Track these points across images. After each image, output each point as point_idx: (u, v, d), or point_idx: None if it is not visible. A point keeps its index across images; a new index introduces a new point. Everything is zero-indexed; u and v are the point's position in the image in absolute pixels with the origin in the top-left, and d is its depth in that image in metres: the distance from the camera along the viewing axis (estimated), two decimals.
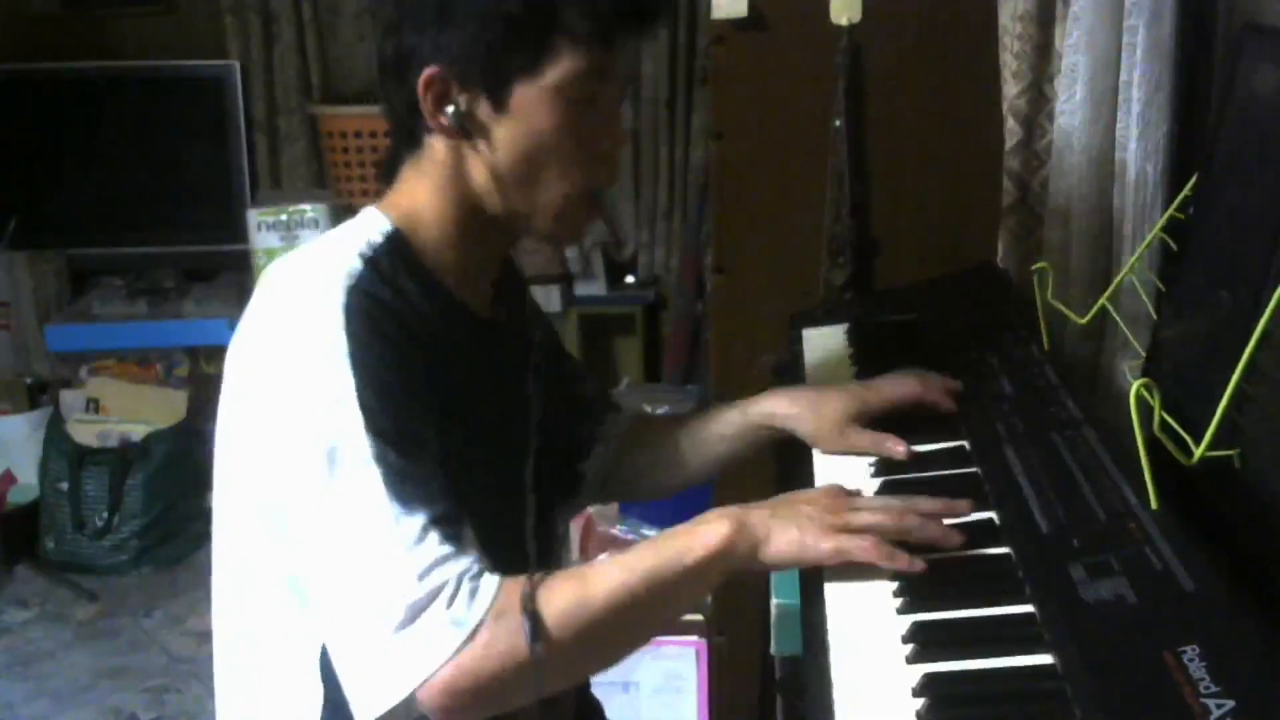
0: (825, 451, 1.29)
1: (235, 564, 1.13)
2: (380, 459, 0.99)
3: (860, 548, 1.02)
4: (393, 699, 0.95)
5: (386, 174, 1.18)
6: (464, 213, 1.13)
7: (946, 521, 1.07)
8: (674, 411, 3.00)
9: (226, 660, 1.17)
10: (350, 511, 0.98)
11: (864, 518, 1.05)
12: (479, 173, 1.11)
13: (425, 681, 0.95)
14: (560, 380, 1.33)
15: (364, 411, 0.99)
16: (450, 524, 1.00)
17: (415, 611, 0.95)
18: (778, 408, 1.32)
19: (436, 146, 1.12)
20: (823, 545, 1.02)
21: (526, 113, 1.08)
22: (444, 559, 0.97)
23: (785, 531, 1.03)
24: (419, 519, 0.98)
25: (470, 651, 0.95)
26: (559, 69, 1.07)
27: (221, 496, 1.13)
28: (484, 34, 1.05)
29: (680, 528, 1.04)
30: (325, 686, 1.08)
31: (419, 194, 1.14)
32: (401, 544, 0.97)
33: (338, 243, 1.10)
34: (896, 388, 1.30)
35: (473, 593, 0.97)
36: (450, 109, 1.08)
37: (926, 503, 1.09)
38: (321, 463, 0.99)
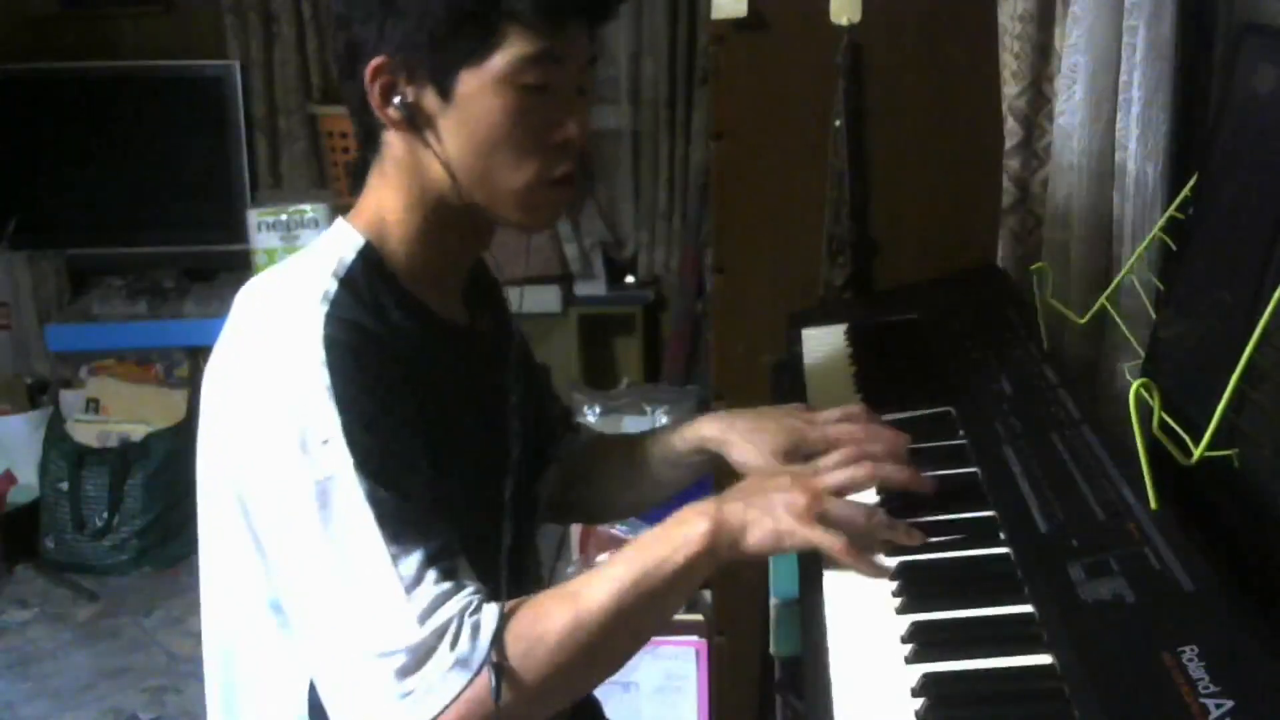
0: None
1: (219, 585, 1.12)
2: (372, 498, 0.97)
3: (829, 545, 1.03)
4: None
5: (355, 181, 1.16)
6: (428, 211, 1.11)
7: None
8: (673, 411, 3.02)
9: (214, 678, 1.16)
10: (346, 558, 0.97)
11: (836, 510, 1.05)
12: (434, 166, 1.08)
13: None
14: (529, 394, 1.32)
15: (352, 449, 0.98)
16: (446, 557, 0.99)
17: (420, 655, 0.94)
18: (713, 432, 1.30)
19: (393, 143, 1.10)
20: (797, 535, 1.03)
21: (473, 101, 1.05)
22: (443, 597, 0.96)
23: (761, 523, 1.03)
24: (415, 558, 0.97)
25: (475, 689, 0.95)
26: (505, 55, 1.04)
27: (205, 518, 1.11)
28: (427, 21, 1.03)
29: (660, 530, 1.04)
30: (310, 715, 1.07)
31: (384, 199, 1.12)
32: (400, 587, 0.96)
33: (311, 264, 1.08)
34: (840, 432, 1.24)
35: (474, 629, 0.96)
36: (397, 100, 1.06)
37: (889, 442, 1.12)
38: (312, 507, 0.97)
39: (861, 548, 1.03)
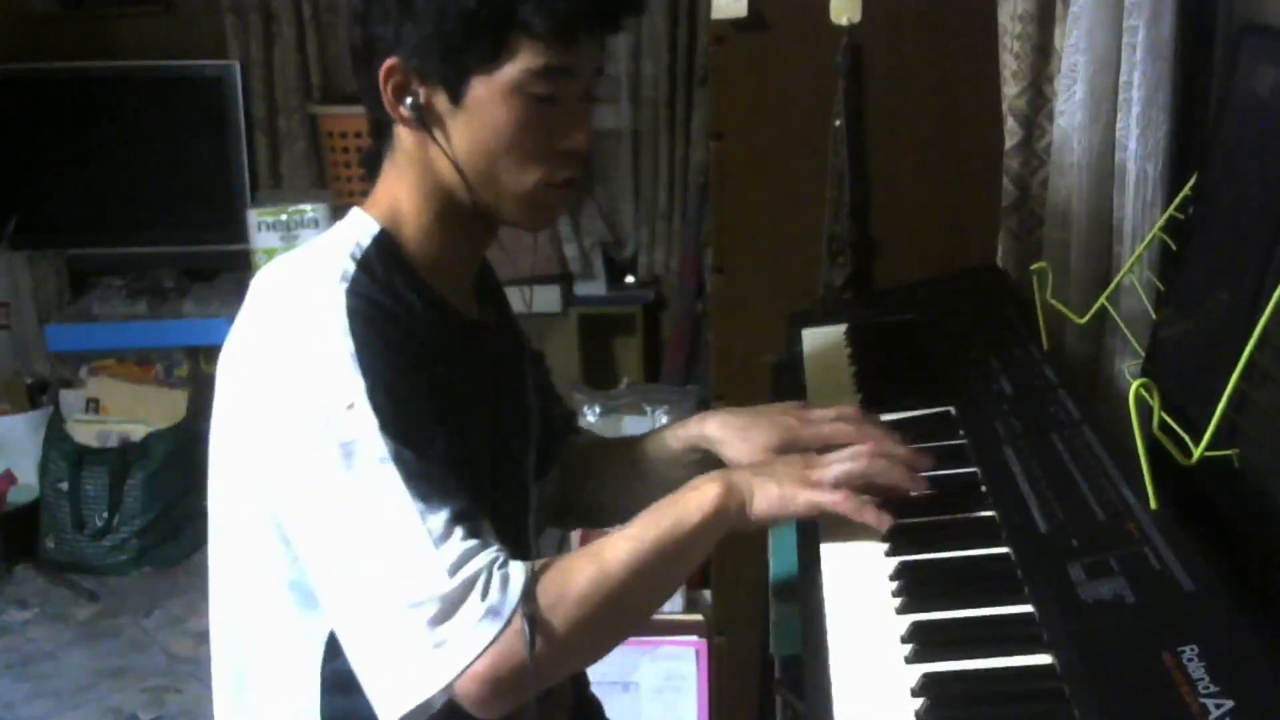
0: None
1: (233, 571, 1.13)
2: (398, 459, 0.99)
3: (832, 501, 1.07)
4: (428, 691, 0.96)
5: (369, 170, 1.18)
6: (439, 204, 1.13)
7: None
8: (673, 411, 3.01)
9: (224, 668, 1.16)
10: (374, 512, 0.99)
11: (835, 470, 1.09)
12: (442, 164, 1.11)
13: (464, 672, 0.96)
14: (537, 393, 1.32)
15: (377, 413, 1.00)
16: (471, 518, 1.01)
17: (451, 604, 0.96)
18: (709, 431, 1.31)
19: (404, 138, 1.12)
20: (800, 499, 1.07)
21: (483, 108, 1.08)
22: (472, 551, 0.99)
23: (766, 489, 1.07)
24: (442, 515, 0.99)
25: (507, 639, 0.97)
26: (516, 66, 1.07)
27: (218, 504, 1.13)
28: (442, 28, 1.06)
29: (675, 496, 1.08)
30: (324, 692, 1.08)
31: (397, 190, 1.14)
32: (429, 540, 0.98)
33: (329, 247, 1.10)
34: (835, 430, 1.25)
35: (504, 580, 0.98)
36: (409, 100, 1.09)
37: (894, 446, 1.14)
38: (339, 466, 0.99)
39: (859, 502, 1.07)
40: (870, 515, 1.06)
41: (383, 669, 0.98)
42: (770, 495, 1.07)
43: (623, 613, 1.05)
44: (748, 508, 1.07)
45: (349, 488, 0.99)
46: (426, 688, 0.96)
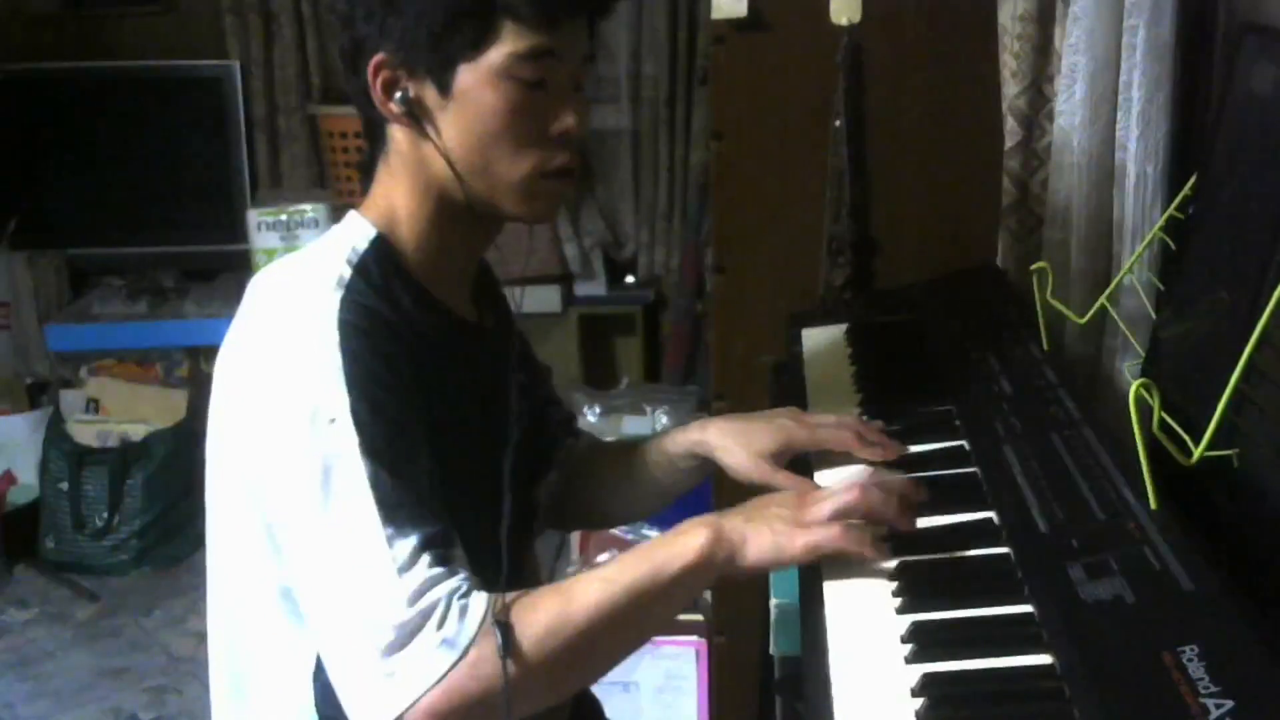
0: (749, 483, 1.25)
1: (228, 574, 1.13)
2: (374, 481, 0.98)
3: (828, 538, 1.03)
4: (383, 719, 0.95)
5: (365, 175, 1.17)
6: (435, 205, 1.13)
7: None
8: (673, 411, 3.02)
9: (221, 670, 1.16)
10: (343, 535, 0.98)
11: (829, 506, 1.05)
12: (436, 160, 1.10)
13: (414, 704, 0.94)
14: (532, 398, 1.31)
15: (359, 431, 0.99)
16: (442, 544, 0.99)
17: (407, 634, 0.95)
18: (708, 437, 1.29)
19: (398, 138, 1.12)
20: (796, 543, 1.03)
21: (471, 96, 1.07)
22: (435, 580, 0.97)
23: (759, 535, 1.03)
24: (410, 541, 0.97)
25: (459, 672, 0.95)
26: (501, 51, 1.06)
27: (214, 507, 1.12)
28: (425, 18, 1.05)
29: (659, 539, 1.04)
30: (317, 701, 1.08)
31: (393, 192, 1.13)
32: (393, 568, 0.96)
33: (326, 251, 1.09)
34: (833, 435, 1.25)
35: (463, 611, 0.96)
36: (398, 95, 1.08)
37: (888, 476, 1.10)
38: (315, 484, 0.98)
39: (861, 535, 1.03)
40: (870, 550, 1.03)
41: (344, 692, 0.98)
42: (764, 543, 1.03)
43: (587, 655, 1.01)
44: (739, 557, 1.03)
45: (324, 509, 0.98)
46: (383, 715, 0.95)
